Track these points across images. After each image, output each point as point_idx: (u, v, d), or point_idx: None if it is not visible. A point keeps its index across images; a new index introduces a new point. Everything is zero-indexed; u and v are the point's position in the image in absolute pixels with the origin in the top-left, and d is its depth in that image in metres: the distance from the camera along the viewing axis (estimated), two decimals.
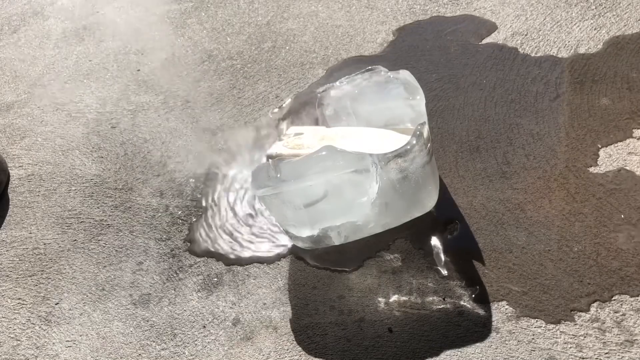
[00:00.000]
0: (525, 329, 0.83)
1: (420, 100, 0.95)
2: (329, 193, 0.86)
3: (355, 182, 0.86)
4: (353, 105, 1.01)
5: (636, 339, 0.80)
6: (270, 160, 0.92)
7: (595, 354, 0.79)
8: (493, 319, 0.85)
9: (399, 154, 0.84)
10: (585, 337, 0.81)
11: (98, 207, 1.14)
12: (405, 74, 0.99)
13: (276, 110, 1.10)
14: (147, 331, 0.92)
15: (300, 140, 0.96)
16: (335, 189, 0.86)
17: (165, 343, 0.90)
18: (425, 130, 0.86)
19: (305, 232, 0.92)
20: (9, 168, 1.28)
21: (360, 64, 1.40)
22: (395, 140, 0.88)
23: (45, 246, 1.08)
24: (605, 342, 0.80)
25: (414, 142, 0.84)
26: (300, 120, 1.13)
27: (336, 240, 0.95)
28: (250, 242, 1.04)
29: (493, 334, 0.83)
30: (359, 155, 0.84)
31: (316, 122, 1.08)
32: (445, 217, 1.00)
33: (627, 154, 1.05)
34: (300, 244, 0.96)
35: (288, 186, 0.85)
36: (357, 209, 0.90)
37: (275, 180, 0.85)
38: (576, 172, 1.03)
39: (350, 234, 0.94)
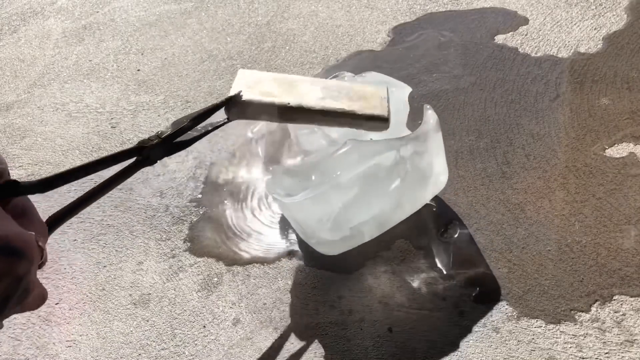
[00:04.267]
0: (525, 329, 0.83)
1: (398, 90, 0.95)
2: (361, 188, 0.85)
3: (384, 171, 0.85)
4: None
5: (636, 339, 0.80)
6: (283, 167, 0.88)
7: (595, 354, 0.79)
8: (493, 319, 0.85)
9: (418, 136, 0.84)
10: (585, 337, 0.81)
11: (98, 207, 1.14)
12: (373, 75, 0.99)
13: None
14: (147, 331, 0.92)
15: (265, 88, 0.86)
16: (366, 182, 0.85)
17: (165, 343, 0.90)
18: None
19: (337, 235, 0.90)
20: (9, 168, 1.28)
21: (361, 58, 1.40)
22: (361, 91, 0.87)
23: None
24: (605, 342, 0.80)
25: (431, 121, 0.85)
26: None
27: (367, 237, 0.93)
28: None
29: (493, 334, 0.83)
30: (383, 144, 0.84)
31: (287, 136, 1.04)
32: (446, 217, 1.00)
33: (628, 154, 1.05)
34: (327, 250, 0.93)
35: (325, 186, 0.82)
36: (387, 198, 0.89)
37: (304, 184, 0.82)
38: (576, 172, 1.03)
39: (380, 226, 0.92)
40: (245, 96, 0.81)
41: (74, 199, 0.51)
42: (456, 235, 0.97)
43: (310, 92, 0.85)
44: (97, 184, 0.52)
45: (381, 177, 0.87)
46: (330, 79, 1.01)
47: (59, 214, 0.51)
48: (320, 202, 0.85)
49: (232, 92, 0.82)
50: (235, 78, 0.86)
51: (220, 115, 0.78)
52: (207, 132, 0.71)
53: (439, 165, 0.93)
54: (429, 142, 0.86)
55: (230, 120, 0.81)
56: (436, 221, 0.99)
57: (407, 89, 0.96)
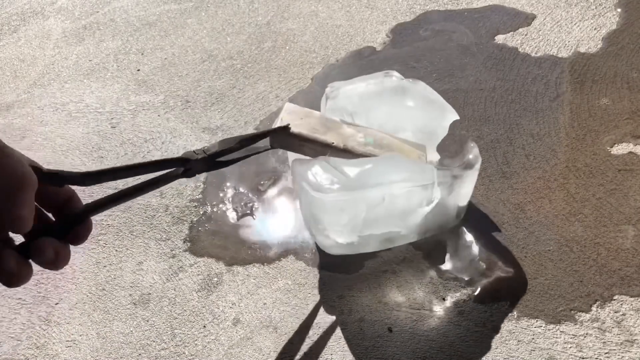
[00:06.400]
0: (525, 329, 0.83)
1: (444, 114, 0.93)
2: (387, 203, 0.85)
3: (414, 194, 0.85)
4: (365, 104, 0.97)
5: (636, 339, 0.80)
6: (324, 158, 0.87)
7: (595, 354, 0.79)
8: (493, 319, 0.85)
9: (458, 171, 0.83)
10: (585, 337, 0.81)
11: None
12: (421, 85, 0.97)
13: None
14: (147, 331, 0.92)
15: (311, 124, 0.89)
16: (394, 200, 0.85)
17: (165, 343, 0.90)
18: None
19: (347, 239, 0.91)
20: None
21: (359, 59, 1.40)
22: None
23: None
24: (605, 342, 0.80)
25: (474, 158, 0.84)
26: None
27: (371, 248, 0.93)
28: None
29: (493, 334, 0.83)
30: (423, 168, 0.83)
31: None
32: None
33: (627, 154, 1.05)
34: (332, 250, 0.94)
35: (358, 193, 0.81)
36: (406, 220, 0.89)
37: (344, 183, 0.81)
38: (576, 172, 1.03)
39: (388, 242, 0.93)
40: (293, 129, 0.86)
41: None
42: (456, 236, 0.97)
43: (353, 135, 0.89)
44: (132, 184, 0.55)
45: (409, 200, 0.86)
46: (378, 74, 0.99)
47: (93, 204, 0.54)
48: (349, 207, 0.84)
49: (278, 123, 0.86)
50: (282, 110, 0.90)
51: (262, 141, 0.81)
52: (248, 156, 0.75)
53: (462, 203, 0.92)
54: (463, 179, 0.85)
55: (273, 148, 0.85)
56: None
57: (453, 116, 0.94)
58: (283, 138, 0.86)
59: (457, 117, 0.94)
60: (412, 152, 0.90)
